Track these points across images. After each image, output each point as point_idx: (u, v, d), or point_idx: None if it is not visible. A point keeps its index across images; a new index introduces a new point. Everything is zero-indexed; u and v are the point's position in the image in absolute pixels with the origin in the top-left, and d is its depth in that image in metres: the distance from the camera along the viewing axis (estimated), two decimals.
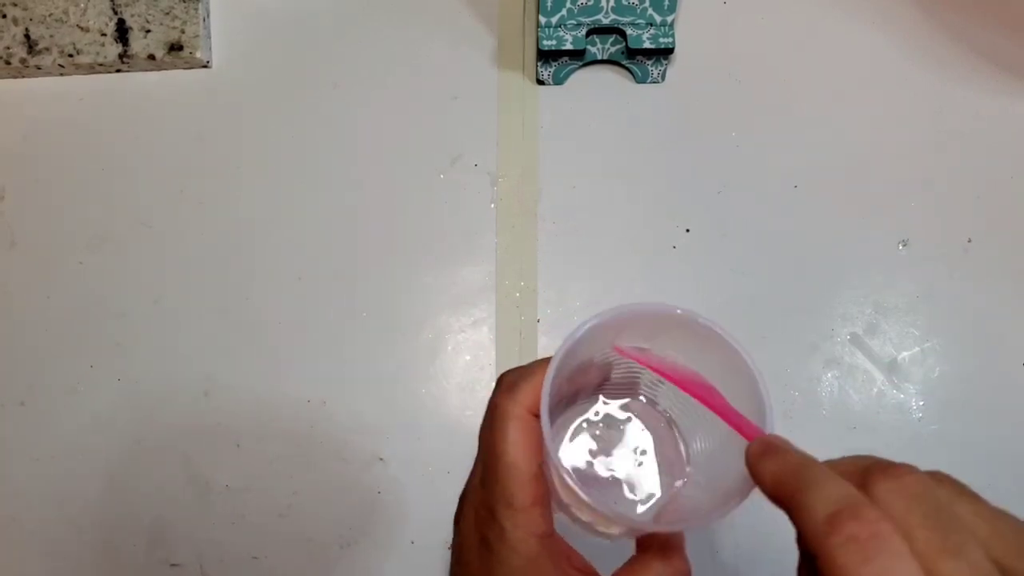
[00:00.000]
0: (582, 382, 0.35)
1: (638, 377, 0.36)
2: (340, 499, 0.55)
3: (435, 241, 0.58)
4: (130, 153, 0.60)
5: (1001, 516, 0.24)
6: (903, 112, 0.60)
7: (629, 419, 0.37)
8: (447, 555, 0.55)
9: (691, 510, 0.34)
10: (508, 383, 0.31)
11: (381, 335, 0.57)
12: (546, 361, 0.31)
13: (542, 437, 0.30)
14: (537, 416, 0.31)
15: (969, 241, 0.58)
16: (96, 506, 0.56)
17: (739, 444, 0.28)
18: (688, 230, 0.58)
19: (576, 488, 0.28)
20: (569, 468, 0.29)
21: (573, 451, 0.36)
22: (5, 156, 0.61)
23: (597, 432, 0.37)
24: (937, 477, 0.25)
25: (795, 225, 0.58)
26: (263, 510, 0.55)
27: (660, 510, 0.35)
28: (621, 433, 0.37)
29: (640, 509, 0.35)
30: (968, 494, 0.24)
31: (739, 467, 0.27)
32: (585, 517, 0.32)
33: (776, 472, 0.25)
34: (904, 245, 0.58)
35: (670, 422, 0.37)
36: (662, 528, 0.31)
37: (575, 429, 0.37)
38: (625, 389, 0.37)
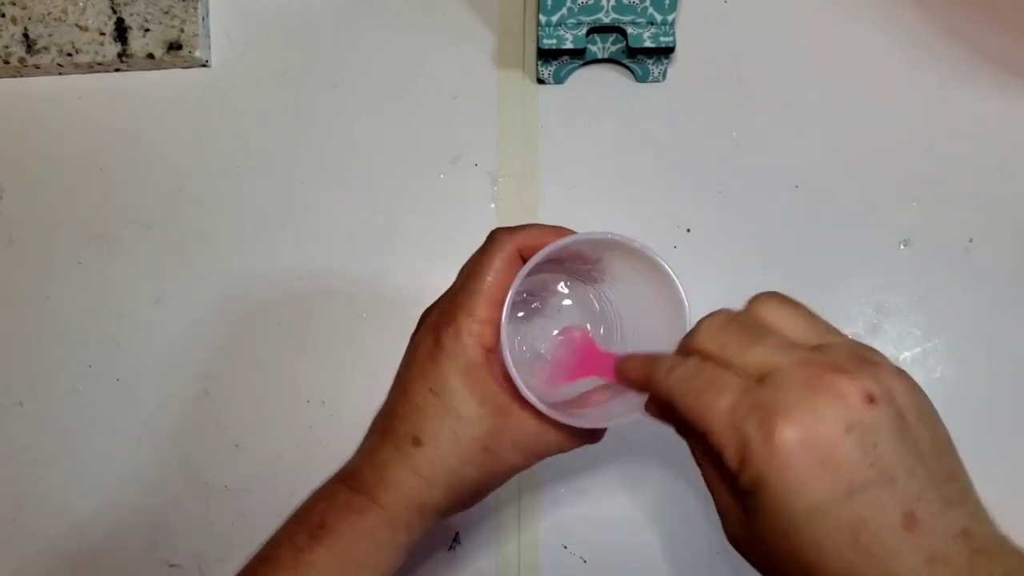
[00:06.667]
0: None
1: (593, 275, 0.42)
2: None
3: (435, 241, 0.58)
4: (129, 152, 0.60)
5: (799, 313, 0.32)
6: (903, 112, 0.59)
7: (572, 303, 0.43)
8: (448, 556, 0.55)
9: (593, 407, 0.39)
10: (510, 228, 0.38)
11: (381, 335, 0.57)
12: (543, 226, 0.37)
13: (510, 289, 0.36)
14: (522, 257, 0.37)
15: (970, 241, 0.58)
16: (96, 506, 0.56)
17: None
18: (689, 230, 0.58)
19: (508, 357, 0.35)
20: (508, 339, 0.35)
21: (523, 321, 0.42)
22: (3, 155, 0.60)
23: (542, 304, 0.43)
24: (760, 297, 0.33)
25: (795, 225, 0.58)
26: (263, 510, 0.55)
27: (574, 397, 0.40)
28: (564, 312, 0.43)
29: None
30: (783, 302, 0.33)
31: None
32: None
33: (634, 366, 0.34)
34: (905, 245, 0.58)
35: (616, 317, 0.43)
36: (550, 413, 0.35)
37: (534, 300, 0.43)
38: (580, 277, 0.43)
